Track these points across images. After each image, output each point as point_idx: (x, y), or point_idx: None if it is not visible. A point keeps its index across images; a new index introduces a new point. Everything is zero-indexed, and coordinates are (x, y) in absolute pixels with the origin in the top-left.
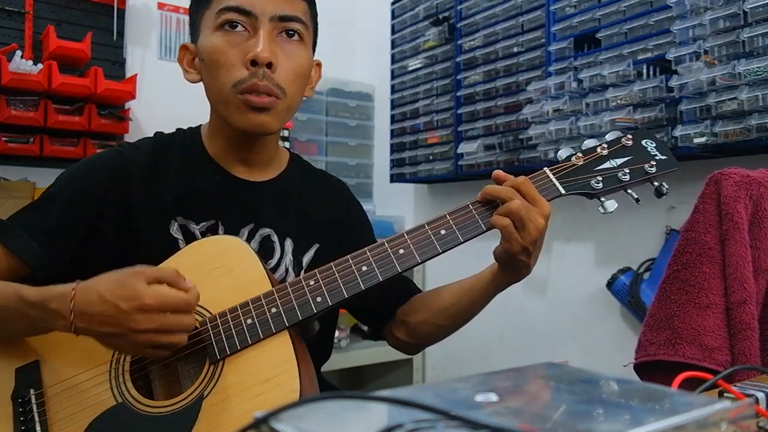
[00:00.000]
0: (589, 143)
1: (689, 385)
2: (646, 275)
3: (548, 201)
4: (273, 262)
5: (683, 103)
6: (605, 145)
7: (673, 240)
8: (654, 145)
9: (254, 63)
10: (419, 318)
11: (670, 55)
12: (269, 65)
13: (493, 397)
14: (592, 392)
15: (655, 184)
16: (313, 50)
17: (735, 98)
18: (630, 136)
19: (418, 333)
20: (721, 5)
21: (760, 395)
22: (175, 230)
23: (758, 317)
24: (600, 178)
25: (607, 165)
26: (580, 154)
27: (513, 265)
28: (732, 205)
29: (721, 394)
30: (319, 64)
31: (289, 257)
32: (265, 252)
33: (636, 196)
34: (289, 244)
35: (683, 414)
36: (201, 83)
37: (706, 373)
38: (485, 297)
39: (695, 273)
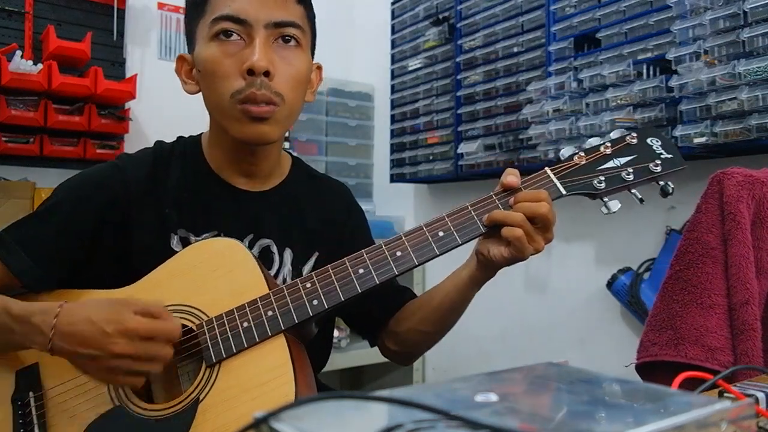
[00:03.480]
0: (592, 141)
1: (689, 385)
2: (646, 275)
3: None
4: (271, 272)
5: (683, 103)
6: (609, 144)
7: (672, 240)
8: (660, 143)
9: (251, 72)
10: (405, 327)
11: (670, 55)
12: (266, 74)
13: (493, 397)
14: (592, 392)
15: (661, 183)
16: (312, 53)
17: (735, 98)
18: (635, 135)
19: (406, 341)
20: (721, 5)
21: (760, 395)
22: (175, 243)
23: (761, 317)
24: (603, 178)
25: (610, 164)
26: (583, 154)
27: (496, 268)
28: (735, 205)
29: (721, 394)
30: (319, 67)
31: (287, 267)
32: (263, 262)
33: (640, 197)
34: (288, 254)
35: (683, 414)
36: (200, 94)
37: (707, 374)
38: (465, 300)
39: (698, 273)
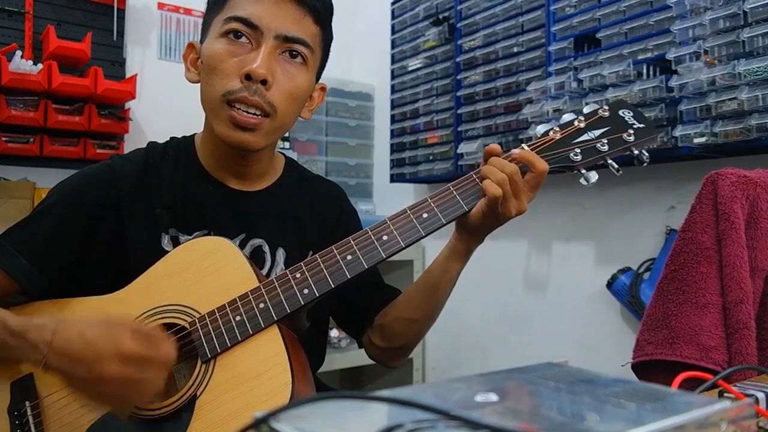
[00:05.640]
0: (566, 117)
1: (689, 384)
2: (646, 275)
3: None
4: (263, 272)
5: (683, 103)
6: (582, 118)
7: (672, 240)
8: (631, 114)
9: (248, 77)
10: (390, 317)
11: (670, 55)
12: (264, 82)
13: (493, 397)
14: (592, 392)
15: (635, 152)
16: (319, 75)
17: (735, 98)
18: (606, 107)
19: (392, 332)
20: (721, 5)
21: (760, 395)
22: (166, 243)
23: (755, 316)
24: (578, 150)
25: (585, 137)
26: (558, 129)
27: (482, 231)
28: (729, 206)
29: (721, 394)
30: (323, 88)
31: (280, 267)
32: (255, 262)
33: (617, 167)
34: (281, 254)
35: (683, 414)
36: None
37: (704, 373)
38: (446, 274)
39: (692, 273)
